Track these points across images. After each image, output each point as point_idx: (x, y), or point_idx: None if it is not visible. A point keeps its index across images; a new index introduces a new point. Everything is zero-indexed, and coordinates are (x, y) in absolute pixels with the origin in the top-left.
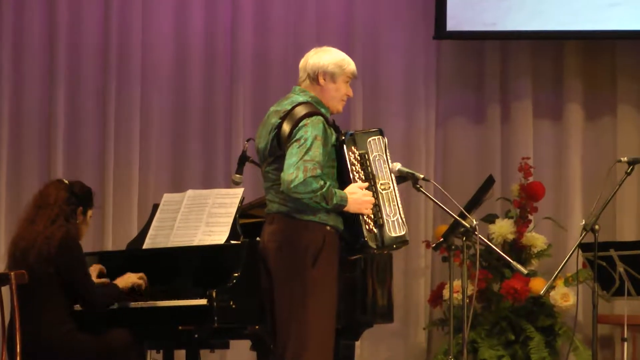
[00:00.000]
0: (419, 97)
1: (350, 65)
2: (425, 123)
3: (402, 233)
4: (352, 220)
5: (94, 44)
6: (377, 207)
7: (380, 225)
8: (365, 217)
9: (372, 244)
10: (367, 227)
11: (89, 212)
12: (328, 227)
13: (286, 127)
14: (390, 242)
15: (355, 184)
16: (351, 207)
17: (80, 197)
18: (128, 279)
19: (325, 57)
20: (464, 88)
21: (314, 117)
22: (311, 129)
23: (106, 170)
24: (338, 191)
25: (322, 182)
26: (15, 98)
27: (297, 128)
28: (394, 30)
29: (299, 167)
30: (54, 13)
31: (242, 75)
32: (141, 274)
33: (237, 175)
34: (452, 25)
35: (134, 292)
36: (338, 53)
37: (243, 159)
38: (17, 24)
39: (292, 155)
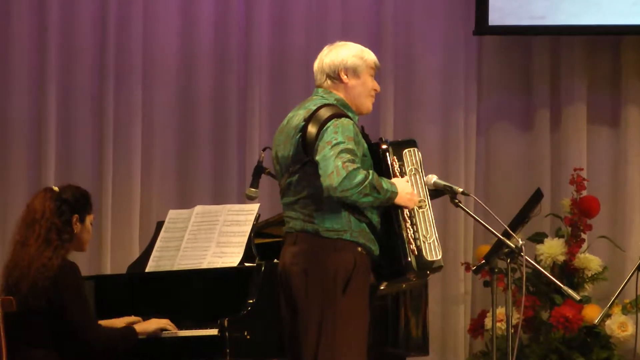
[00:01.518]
0: (458, 101)
1: (370, 55)
2: (465, 130)
3: (438, 257)
4: (389, 239)
5: (89, 41)
6: (415, 227)
7: (418, 247)
8: (408, 235)
9: (415, 266)
10: (410, 246)
11: (88, 218)
12: (359, 248)
13: (312, 130)
14: (426, 268)
15: (404, 181)
16: (401, 199)
17: (73, 204)
18: (150, 325)
19: (343, 52)
20: (508, 90)
21: (343, 119)
22: (341, 129)
23: (104, 184)
24: (384, 179)
25: (365, 172)
26: (1, 102)
27: (324, 129)
28: (429, 25)
29: (338, 165)
30: (45, 5)
31: (258, 77)
32: (167, 320)
33: (252, 189)
34: (495, 19)
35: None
36: (354, 45)
37: (259, 170)
38: (4, 21)
39: (327, 158)
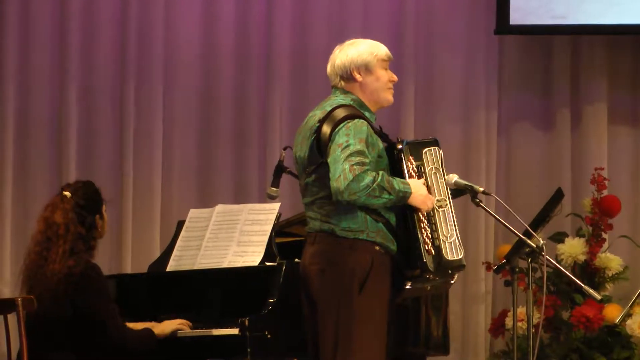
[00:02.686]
0: (479, 100)
1: (380, 48)
2: (486, 129)
3: (460, 257)
4: (407, 240)
5: (110, 39)
6: (433, 226)
7: (437, 247)
8: (424, 235)
9: (431, 267)
10: (425, 247)
11: (104, 209)
12: (377, 247)
13: (326, 130)
14: (447, 267)
15: (419, 182)
16: (415, 200)
17: (91, 206)
18: (166, 327)
19: (351, 51)
20: (529, 90)
21: (356, 120)
22: (353, 132)
23: (124, 182)
24: (398, 179)
25: (373, 174)
26: (21, 99)
27: (336, 130)
28: (450, 25)
29: (345, 168)
30: (65, 5)
31: (279, 76)
32: (181, 320)
33: (273, 189)
34: (516, 18)
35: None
36: (363, 42)
37: (279, 169)
38: (24, 16)
39: (336, 161)
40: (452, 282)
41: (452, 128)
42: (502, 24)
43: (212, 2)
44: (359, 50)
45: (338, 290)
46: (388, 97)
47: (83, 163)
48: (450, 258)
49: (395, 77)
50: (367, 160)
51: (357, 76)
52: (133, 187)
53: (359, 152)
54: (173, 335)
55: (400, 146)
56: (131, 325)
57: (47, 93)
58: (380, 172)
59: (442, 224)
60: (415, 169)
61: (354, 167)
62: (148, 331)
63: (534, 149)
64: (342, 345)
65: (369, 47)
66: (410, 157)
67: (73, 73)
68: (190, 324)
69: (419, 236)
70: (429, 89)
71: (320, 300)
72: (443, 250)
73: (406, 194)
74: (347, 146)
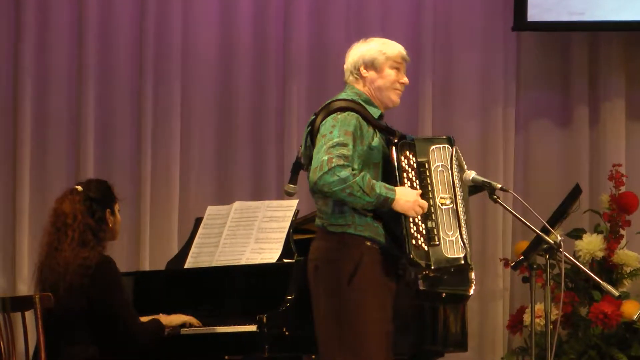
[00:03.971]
0: (496, 97)
1: (393, 47)
2: (504, 126)
3: (459, 255)
4: (398, 234)
5: (128, 37)
6: (433, 223)
7: (434, 244)
8: (413, 230)
9: (421, 262)
10: (414, 242)
11: (116, 207)
12: (367, 242)
13: (317, 122)
14: (443, 264)
15: (409, 189)
16: (399, 205)
17: (102, 200)
18: (175, 318)
19: (363, 47)
20: (547, 86)
21: (346, 113)
22: (340, 124)
23: (142, 180)
24: (382, 183)
25: (353, 171)
26: (39, 98)
27: (324, 122)
28: (468, 22)
29: (324, 160)
30: (83, 2)
31: (297, 72)
32: (190, 317)
33: (291, 185)
34: (533, 14)
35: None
36: (377, 40)
37: (297, 166)
38: (42, 16)
39: (317, 152)
40: (470, 290)
41: (470, 125)
42: (519, 20)
43: (229, 0)
44: (369, 47)
45: (327, 285)
46: (392, 97)
47: (101, 161)
48: (448, 255)
49: (405, 80)
50: (349, 154)
51: (364, 72)
52: (151, 184)
53: (341, 144)
54: (175, 332)
55: (394, 139)
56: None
57: (65, 92)
58: (363, 172)
59: (445, 221)
60: (414, 165)
61: (333, 159)
62: (156, 322)
63: (552, 145)
64: (335, 341)
65: (380, 45)
66: (407, 152)
67: (91, 71)
68: (199, 322)
69: (407, 230)
70: (446, 86)
71: (312, 296)
72: (442, 247)
73: (388, 200)
74: (331, 138)
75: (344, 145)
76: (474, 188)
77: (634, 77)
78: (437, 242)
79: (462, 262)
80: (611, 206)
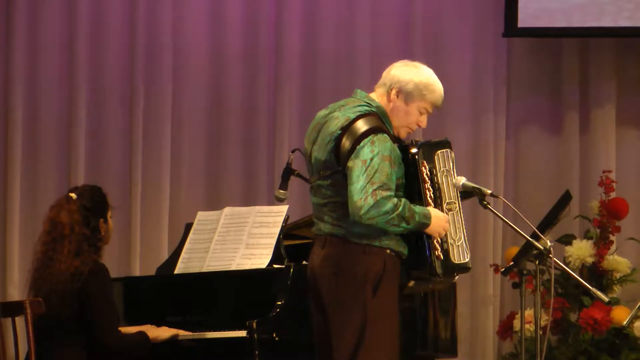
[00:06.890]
0: (487, 103)
1: (434, 93)
2: (494, 132)
3: (466, 260)
4: (417, 244)
5: (118, 42)
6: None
7: (445, 251)
8: (434, 241)
9: (440, 271)
10: (435, 252)
11: (109, 214)
12: (388, 251)
13: (346, 143)
14: (453, 270)
15: (439, 212)
16: (431, 231)
17: (96, 209)
18: (163, 332)
19: (410, 73)
20: (537, 92)
21: (380, 135)
22: (378, 148)
23: (133, 185)
24: (419, 207)
25: (395, 201)
26: (30, 102)
27: (360, 145)
28: (458, 27)
29: (367, 190)
30: (74, 6)
31: (288, 77)
32: (179, 331)
33: (281, 191)
34: (524, 20)
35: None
36: (428, 75)
37: (288, 172)
38: (33, 19)
39: (358, 179)
40: (453, 280)
41: (460, 131)
42: (510, 26)
43: (220, 4)
44: (414, 77)
45: (351, 294)
46: (401, 133)
47: (92, 166)
48: (457, 261)
49: (424, 125)
50: (389, 181)
51: (393, 96)
52: (142, 189)
53: (384, 173)
54: (178, 339)
55: (414, 149)
56: (128, 328)
57: (55, 96)
58: (403, 201)
59: (451, 227)
60: (429, 173)
61: (377, 191)
62: (141, 335)
63: (542, 151)
64: (355, 349)
65: (426, 83)
66: (424, 161)
67: (82, 76)
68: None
69: (429, 242)
70: None
71: (332, 304)
72: (451, 253)
73: (424, 226)
74: (371, 165)
75: (386, 174)
76: (464, 194)
77: (625, 83)
78: (447, 249)
79: (469, 265)
80: (601, 212)
